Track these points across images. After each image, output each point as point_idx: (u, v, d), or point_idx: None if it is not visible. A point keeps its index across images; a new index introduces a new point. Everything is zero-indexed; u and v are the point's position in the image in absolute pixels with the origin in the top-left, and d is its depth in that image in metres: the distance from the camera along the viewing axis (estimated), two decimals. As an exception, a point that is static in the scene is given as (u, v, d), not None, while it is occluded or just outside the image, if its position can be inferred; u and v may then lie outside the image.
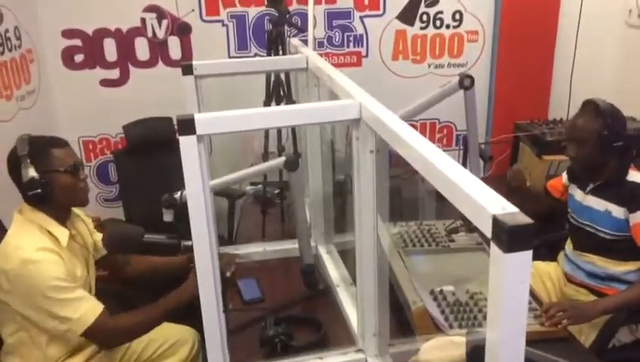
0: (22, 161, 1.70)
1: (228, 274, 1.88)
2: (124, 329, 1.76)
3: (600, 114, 1.90)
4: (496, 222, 0.68)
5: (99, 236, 1.99)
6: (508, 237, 0.66)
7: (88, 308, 1.68)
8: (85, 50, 3.05)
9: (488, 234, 0.70)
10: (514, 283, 0.69)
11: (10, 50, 2.62)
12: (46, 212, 1.74)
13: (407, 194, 2.49)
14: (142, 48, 3.08)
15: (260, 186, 2.64)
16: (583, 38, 3.11)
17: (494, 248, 0.69)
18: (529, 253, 0.68)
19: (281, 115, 1.29)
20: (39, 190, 1.69)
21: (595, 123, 1.90)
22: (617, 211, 1.91)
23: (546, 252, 2.33)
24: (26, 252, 1.63)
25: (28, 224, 1.72)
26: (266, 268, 2.07)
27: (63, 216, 1.81)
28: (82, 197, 1.85)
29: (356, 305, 1.60)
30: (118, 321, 1.76)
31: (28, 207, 1.74)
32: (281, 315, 1.70)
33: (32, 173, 1.69)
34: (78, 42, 3.03)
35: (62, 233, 1.75)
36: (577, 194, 2.08)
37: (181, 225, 1.69)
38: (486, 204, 0.71)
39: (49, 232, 1.72)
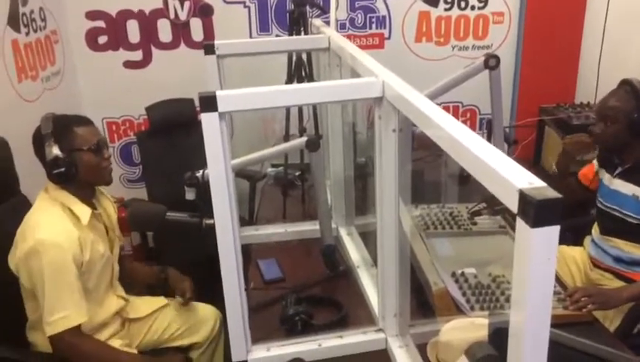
0: (45, 140, 1.70)
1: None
2: (85, 353, 1.71)
3: (634, 96, 1.86)
4: (523, 196, 0.67)
5: (118, 232, 2.00)
6: (535, 211, 0.65)
7: (66, 315, 1.64)
8: (109, 31, 3.07)
9: (514, 209, 0.69)
10: (540, 259, 0.68)
11: (35, 31, 2.65)
12: (70, 190, 1.75)
13: (429, 178, 2.47)
14: (164, 30, 3.09)
15: (280, 168, 2.64)
16: (612, 18, 3.02)
17: (520, 223, 0.68)
18: (556, 228, 0.67)
19: (303, 93, 1.28)
20: (63, 169, 1.69)
21: (627, 103, 1.87)
22: None
23: (572, 236, 2.29)
24: (42, 232, 1.64)
25: (51, 202, 1.73)
26: (287, 249, 2.08)
27: (87, 195, 1.82)
28: (106, 176, 1.85)
29: (377, 285, 1.60)
30: (85, 343, 1.72)
31: (52, 186, 1.75)
32: (301, 295, 1.71)
33: (55, 151, 1.69)
34: (101, 24, 3.05)
35: (84, 211, 1.75)
36: (605, 178, 2.04)
37: (203, 204, 1.70)
38: (513, 178, 0.70)
39: (71, 211, 1.73)
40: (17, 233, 1.70)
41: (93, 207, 1.82)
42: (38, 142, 1.73)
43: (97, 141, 1.78)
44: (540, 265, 0.68)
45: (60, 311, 1.64)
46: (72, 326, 1.65)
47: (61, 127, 1.73)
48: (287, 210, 2.39)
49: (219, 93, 1.14)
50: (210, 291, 1.74)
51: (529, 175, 0.71)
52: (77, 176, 1.72)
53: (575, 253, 2.16)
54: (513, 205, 0.69)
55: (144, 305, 2.01)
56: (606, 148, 2.01)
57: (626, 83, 1.92)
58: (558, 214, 0.66)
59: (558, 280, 1.78)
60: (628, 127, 1.87)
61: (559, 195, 0.66)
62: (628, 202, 1.92)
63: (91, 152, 1.75)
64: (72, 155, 1.71)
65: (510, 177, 0.70)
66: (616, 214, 1.96)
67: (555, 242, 0.67)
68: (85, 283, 1.72)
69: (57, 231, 1.66)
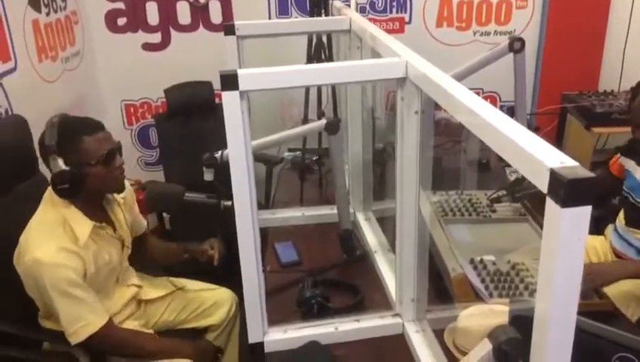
0: (49, 152, 1.58)
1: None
2: (115, 345, 1.72)
3: None
4: (554, 174, 0.65)
5: (140, 218, 1.99)
6: (566, 190, 0.63)
7: (86, 323, 1.63)
8: (128, 13, 3.07)
9: (544, 188, 0.67)
10: (570, 239, 0.66)
11: (55, 12, 2.65)
12: (75, 203, 1.66)
13: (448, 164, 2.44)
14: (183, 12, 3.08)
15: (298, 153, 2.63)
16: (639, 6, 2.95)
17: (550, 203, 0.66)
18: (588, 208, 0.65)
19: (325, 72, 1.27)
20: (67, 185, 1.58)
21: None
22: None
23: (593, 226, 2.25)
24: (40, 252, 1.56)
25: (53, 213, 1.64)
26: (304, 233, 2.07)
27: (93, 204, 1.74)
28: (117, 186, 1.75)
29: (394, 270, 1.58)
30: (113, 337, 1.71)
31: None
32: (318, 278, 1.70)
33: (60, 165, 1.57)
34: (121, 5, 3.05)
35: (83, 229, 1.65)
36: (637, 172, 1.95)
37: (221, 185, 1.69)
38: (543, 157, 0.68)
39: (72, 228, 1.64)
40: (21, 238, 1.63)
41: (98, 217, 1.73)
42: (42, 148, 1.63)
43: (107, 151, 1.65)
44: (569, 246, 0.66)
45: (79, 322, 1.62)
46: (94, 332, 1.64)
47: (67, 138, 1.60)
48: (304, 195, 2.38)
49: (240, 72, 1.13)
50: (227, 273, 1.75)
51: (560, 154, 0.69)
52: (83, 189, 1.62)
53: (596, 242, 2.13)
54: (543, 185, 0.67)
55: (160, 286, 2.01)
56: None
57: None
58: (590, 194, 0.64)
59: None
60: None
61: (592, 174, 0.64)
62: None
63: (100, 165, 1.64)
64: (79, 169, 1.60)
65: (541, 156, 0.68)
66: None
67: (586, 223, 0.66)
68: (92, 287, 1.68)
69: (55, 250, 1.57)
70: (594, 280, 1.59)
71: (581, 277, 0.68)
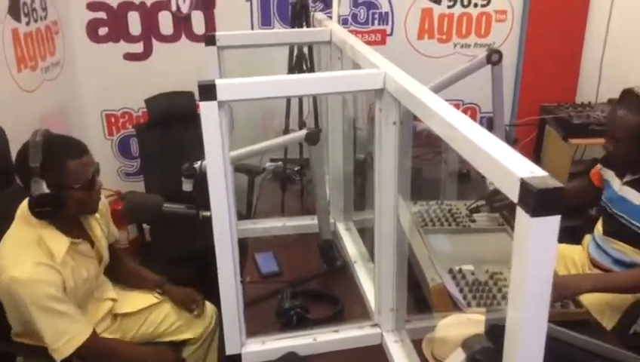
0: (32, 174, 1.53)
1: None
2: (103, 355, 1.72)
3: None
4: (524, 184, 0.66)
5: (113, 228, 1.97)
6: (536, 200, 0.64)
7: (71, 337, 1.61)
8: (110, 23, 3.06)
9: (515, 198, 0.68)
10: (540, 248, 0.67)
11: (35, 21, 2.63)
12: (52, 222, 1.63)
13: (428, 175, 2.46)
14: (165, 22, 3.08)
15: (279, 163, 2.63)
16: (616, 17, 3.01)
17: (520, 213, 0.67)
18: (557, 218, 0.66)
19: (304, 83, 1.27)
20: (48, 208, 1.56)
21: (634, 119, 1.77)
22: None
23: (569, 236, 2.28)
24: (16, 271, 1.53)
25: (28, 231, 1.61)
26: (285, 243, 2.06)
27: (71, 222, 1.71)
28: (93, 208, 1.73)
29: (373, 280, 1.59)
30: (99, 346, 1.70)
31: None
32: (298, 289, 1.69)
33: (43, 188, 1.53)
34: (102, 15, 3.04)
35: (60, 247, 1.62)
36: (615, 183, 1.98)
37: (200, 196, 1.68)
38: (514, 167, 0.69)
39: (47, 246, 1.61)
40: None
41: (75, 233, 1.71)
42: (22, 167, 1.57)
43: (90, 176, 1.63)
44: (539, 255, 0.67)
45: (64, 336, 1.60)
46: (81, 344, 1.62)
47: (52, 161, 1.56)
48: (285, 205, 2.38)
49: (218, 82, 1.13)
50: (207, 285, 1.73)
51: (530, 164, 0.70)
52: (62, 211, 1.59)
53: (574, 252, 2.15)
54: (514, 194, 0.68)
55: (137, 299, 1.98)
56: (620, 163, 1.92)
57: (628, 93, 1.82)
58: (559, 204, 0.65)
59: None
60: (638, 142, 1.77)
61: (561, 184, 0.65)
62: (636, 211, 1.86)
63: (83, 190, 1.61)
64: (62, 192, 1.57)
65: (511, 166, 0.69)
66: (623, 221, 1.91)
67: (555, 232, 0.66)
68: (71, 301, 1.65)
69: (31, 266, 1.55)
70: (558, 293, 1.59)
71: (551, 287, 0.69)
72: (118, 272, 2.01)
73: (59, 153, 1.59)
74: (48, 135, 1.61)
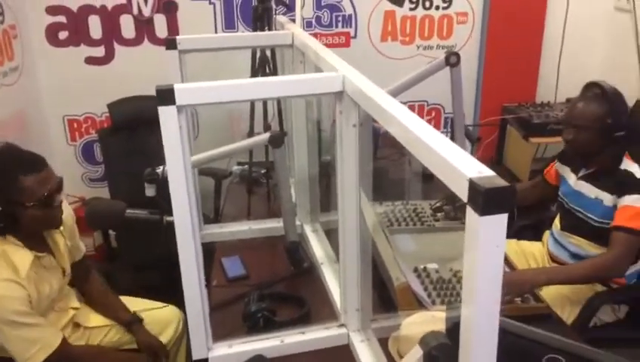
0: None
1: None
2: (80, 358, 1.73)
3: (605, 100, 1.82)
4: (473, 184, 0.68)
5: (79, 243, 1.94)
6: (483, 199, 0.66)
7: (42, 346, 1.60)
8: (70, 27, 3.00)
9: (465, 198, 0.70)
10: (489, 246, 0.69)
11: (-8, 25, 2.57)
12: (15, 235, 1.61)
13: (394, 175, 2.49)
14: (127, 26, 3.04)
15: (246, 166, 2.62)
16: (571, 21, 3.11)
17: (470, 211, 0.69)
18: (504, 216, 0.68)
19: (263, 87, 1.28)
20: (2, 224, 1.55)
21: (599, 109, 1.82)
22: (608, 200, 1.86)
23: (531, 232, 2.34)
24: None
25: None
26: (251, 246, 2.06)
27: (33, 235, 1.69)
28: (54, 224, 1.70)
29: (339, 280, 1.60)
30: (75, 351, 1.71)
31: None
32: (264, 292, 1.70)
33: None
34: (62, 19, 2.98)
35: (23, 261, 1.60)
36: (570, 178, 2.04)
37: (164, 201, 1.68)
38: (462, 167, 0.71)
39: (11, 260, 1.59)
40: None
41: (39, 247, 1.69)
42: None
43: (47, 192, 1.58)
44: (488, 253, 0.69)
45: (34, 346, 1.59)
46: (52, 352, 1.61)
47: (5, 177, 1.53)
48: (252, 208, 2.37)
49: (177, 86, 1.13)
50: (173, 290, 1.72)
51: (479, 165, 0.72)
52: (19, 227, 1.57)
53: (534, 248, 2.21)
54: (463, 194, 0.70)
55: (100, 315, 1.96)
56: (578, 154, 1.96)
57: (593, 86, 1.87)
58: (507, 202, 0.68)
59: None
60: (600, 133, 1.83)
61: (507, 184, 0.67)
62: (591, 205, 1.92)
63: (37, 207, 1.57)
64: (13, 210, 1.54)
65: (460, 166, 0.71)
66: (579, 215, 1.97)
67: (503, 230, 0.68)
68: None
69: None
70: (517, 289, 1.63)
71: (501, 284, 0.71)
72: (88, 291, 1.98)
73: (12, 169, 1.54)
74: (4, 150, 1.58)
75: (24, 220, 1.58)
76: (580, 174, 1.99)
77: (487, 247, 0.69)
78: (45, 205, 1.59)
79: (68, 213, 1.84)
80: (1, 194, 1.54)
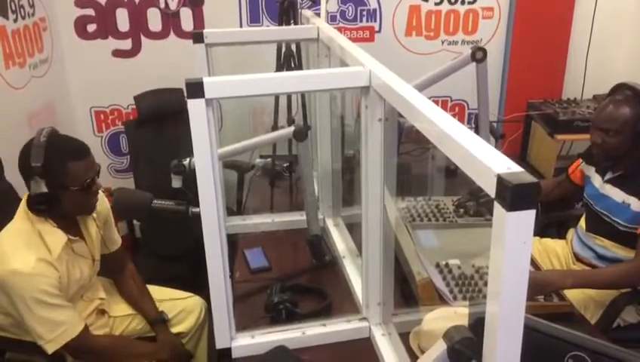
0: (33, 173, 1.57)
1: None
2: (99, 350, 1.74)
3: (636, 103, 1.78)
4: (501, 180, 0.68)
5: (115, 234, 1.98)
6: (511, 195, 0.66)
7: (65, 329, 1.63)
8: (98, 20, 3.05)
9: (492, 193, 0.70)
10: (516, 242, 0.69)
11: (23, 18, 2.62)
12: (51, 217, 1.65)
13: (417, 171, 2.48)
14: (154, 19, 3.08)
15: (269, 159, 2.64)
16: (600, 16, 3.05)
17: (497, 207, 0.70)
18: (532, 213, 0.68)
19: (289, 81, 1.29)
20: (44, 206, 1.59)
21: (630, 113, 1.78)
22: (636, 204, 1.82)
23: (555, 230, 2.31)
24: (16, 262, 1.56)
25: (28, 224, 1.64)
26: (274, 239, 2.08)
27: (68, 218, 1.74)
28: (90, 209, 1.76)
29: (361, 274, 1.61)
30: (95, 340, 1.74)
31: None
32: (286, 284, 1.72)
33: (42, 188, 1.57)
34: (91, 12, 3.03)
35: (57, 242, 1.65)
36: (596, 180, 2.00)
37: (189, 192, 1.70)
38: (491, 163, 0.71)
39: (45, 241, 1.63)
40: None
41: (73, 231, 1.73)
42: (24, 165, 1.61)
43: (89, 179, 1.65)
44: (515, 249, 0.69)
45: (57, 329, 1.62)
46: (74, 337, 1.65)
47: (53, 162, 1.59)
48: (274, 201, 2.39)
49: (206, 80, 1.15)
50: (197, 279, 1.75)
51: (507, 160, 0.72)
52: (59, 210, 1.63)
53: (557, 246, 2.19)
54: (491, 189, 0.70)
55: (125, 304, 2.00)
56: (607, 157, 1.92)
57: (623, 87, 1.83)
58: (534, 199, 0.68)
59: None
60: (630, 136, 1.80)
61: (535, 180, 0.67)
62: (618, 209, 1.88)
63: (81, 191, 1.64)
64: (59, 193, 1.60)
65: (488, 162, 0.72)
66: (605, 218, 1.93)
67: (530, 226, 0.69)
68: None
69: (34, 261, 1.57)
70: (540, 289, 1.62)
71: (528, 280, 0.72)
72: (122, 283, 2.02)
73: (61, 154, 1.61)
74: (53, 135, 1.63)
75: (65, 203, 1.63)
76: (607, 177, 1.95)
77: (514, 243, 0.69)
78: (86, 190, 1.65)
79: (103, 203, 1.89)
80: (48, 177, 1.58)
